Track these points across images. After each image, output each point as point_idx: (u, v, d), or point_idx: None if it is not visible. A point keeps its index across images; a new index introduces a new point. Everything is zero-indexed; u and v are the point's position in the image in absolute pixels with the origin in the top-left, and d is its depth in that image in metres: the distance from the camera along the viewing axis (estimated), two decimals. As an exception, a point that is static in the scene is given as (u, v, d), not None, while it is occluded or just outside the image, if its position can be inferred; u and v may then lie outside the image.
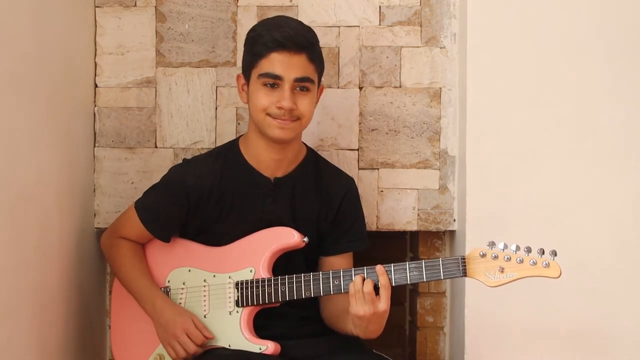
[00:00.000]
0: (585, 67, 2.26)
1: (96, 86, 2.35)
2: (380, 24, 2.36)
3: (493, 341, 2.26)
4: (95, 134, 2.35)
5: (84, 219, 2.23)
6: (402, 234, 2.61)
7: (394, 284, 1.84)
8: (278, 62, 1.93)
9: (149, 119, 2.36)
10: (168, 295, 2.05)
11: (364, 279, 1.83)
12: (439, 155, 2.37)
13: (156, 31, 2.35)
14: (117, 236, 2.10)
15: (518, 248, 1.78)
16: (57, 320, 1.99)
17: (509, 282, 1.79)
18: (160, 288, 2.06)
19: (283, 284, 1.94)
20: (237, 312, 1.98)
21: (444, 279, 1.86)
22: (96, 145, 2.36)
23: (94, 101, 2.35)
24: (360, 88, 2.37)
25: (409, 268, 1.84)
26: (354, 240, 2.11)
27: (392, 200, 2.37)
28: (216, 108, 2.37)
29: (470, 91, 2.27)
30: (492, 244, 1.80)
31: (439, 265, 1.82)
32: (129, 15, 2.35)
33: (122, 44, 2.35)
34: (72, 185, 2.14)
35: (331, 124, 2.35)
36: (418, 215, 2.37)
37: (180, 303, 2.03)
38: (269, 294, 1.95)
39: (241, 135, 2.13)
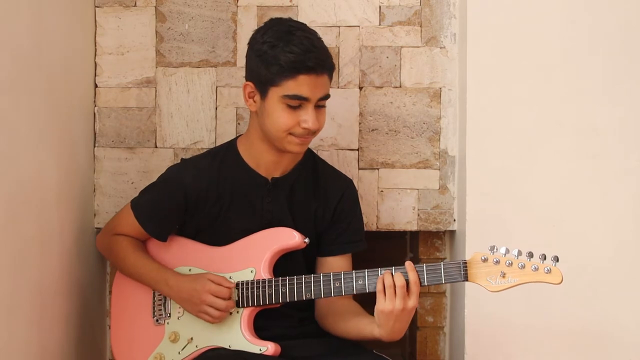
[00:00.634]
0: (585, 67, 2.26)
1: (96, 86, 2.35)
2: (380, 24, 2.36)
3: (493, 341, 2.26)
4: (95, 134, 2.35)
5: (83, 218, 2.23)
6: (402, 234, 2.61)
7: None
8: (306, 85, 1.90)
9: (149, 119, 2.36)
10: (168, 295, 2.05)
11: (392, 275, 1.82)
12: (439, 155, 2.37)
13: (156, 31, 2.35)
14: (113, 235, 2.10)
15: (520, 253, 1.78)
16: (57, 321, 1.99)
17: (510, 287, 1.78)
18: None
19: (284, 285, 1.94)
20: (238, 312, 1.98)
21: (444, 283, 1.86)
22: (96, 145, 2.35)
23: (94, 101, 2.35)
24: (360, 88, 2.37)
25: (410, 272, 1.84)
26: (352, 242, 2.10)
27: (392, 200, 2.37)
28: (216, 108, 2.36)
29: (470, 91, 2.27)
30: (493, 248, 1.80)
31: (440, 269, 1.82)
32: (129, 15, 2.34)
33: (122, 44, 2.35)
34: (72, 185, 2.14)
35: (331, 124, 2.35)
36: (418, 215, 2.37)
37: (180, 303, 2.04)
38: (270, 295, 1.95)
39: (239, 135, 2.13)
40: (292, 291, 1.93)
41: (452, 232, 2.42)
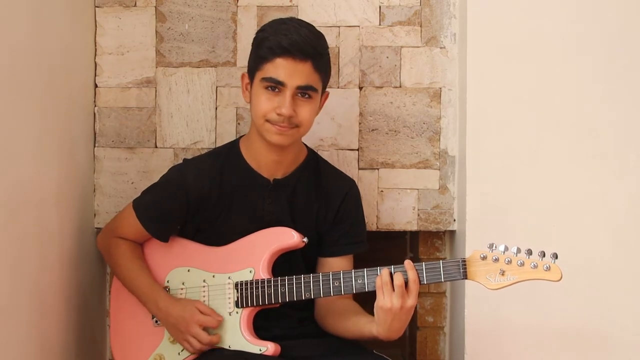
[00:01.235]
0: (585, 67, 2.26)
1: (96, 86, 2.35)
2: (380, 24, 2.36)
3: (493, 341, 2.26)
4: (95, 134, 2.35)
5: (83, 219, 2.23)
6: (402, 234, 2.61)
7: None
8: (282, 68, 1.92)
9: (149, 119, 2.36)
10: (168, 295, 2.05)
11: (390, 273, 1.82)
12: (439, 155, 2.37)
13: (156, 31, 2.35)
14: (114, 236, 2.10)
15: (519, 250, 1.78)
16: (57, 320, 1.99)
17: (509, 285, 1.78)
18: (160, 288, 2.06)
19: (283, 285, 1.94)
20: (237, 312, 1.98)
21: (444, 281, 1.86)
22: (96, 145, 2.36)
23: (94, 101, 2.35)
24: (360, 88, 2.37)
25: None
26: (353, 243, 2.10)
27: (392, 200, 2.37)
28: (216, 108, 2.37)
29: (470, 91, 2.27)
30: (492, 246, 1.80)
31: (440, 267, 1.82)
32: (129, 15, 2.34)
33: (122, 44, 2.35)
34: (71, 185, 2.14)
35: (331, 124, 2.35)
36: (418, 215, 2.37)
37: (179, 304, 2.04)
38: (269, 295, 1.95)
39: (242, 136, 2.13)
40: (292, 291, 1.93)
41: (452, 232, 2.42)
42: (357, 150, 2.37)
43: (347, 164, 2.35)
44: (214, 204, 2.04)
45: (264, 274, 1.97)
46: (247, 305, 1.97)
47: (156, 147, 2.36)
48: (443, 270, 1.82)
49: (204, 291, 2.02)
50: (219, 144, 2.30)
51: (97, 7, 2.34)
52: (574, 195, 2.26)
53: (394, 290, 1.80)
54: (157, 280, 2.07)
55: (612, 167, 2.26)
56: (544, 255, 1.76)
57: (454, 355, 2.39)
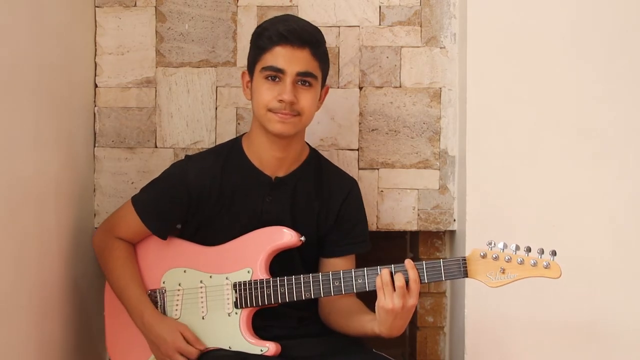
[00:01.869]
0: (585, 67, 2.26)
1: (96, 86, 2.35)
2: (380, 24, 2.36)
3: (493, 341, 2.26)
4: (95, 134, 2.35)
5: (83, 218, 2.23)
6: (402, 234, 2.61)
7: None
8: (281, 56, 1.94)
9: (149, 119, 2.36)
10: (164, 297, 2.04)
11: (391, 273, 1.82)
12: (439, 155, 2.37)
13: (156, 31, 2.35)
14: (112, 235, 2.08)
15: (517, 248, 1.79)
16: (56, 320, 1.99)
17: (509, 282, 1.79)
18: (156, 289, 2.05)
19: (282, 285, 1.93)
20: (236, 313, 1.97)
21: (445, 280, 1.86)
22: (96, 145, 2.35)
23: (94, 101, 2.35)
24: (360, 88, 2.37)
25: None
26: (356, 243, 2.10)
27: (392, 200, 2.37)
28: (216, 108, 2.37)
29: (470, 91, 2.27)
30: (491, 244, 1.80)
31: (440, 266, 1.83)
32: (129, 15, 2.34)
33: (122, 44, 2.35)
34: (72, 185, 2.14)
35: (331, 124, 2.35)
36: (418, 215, 2.37)
37: (177, 305, 2.02)
38: (268, 296, 1.94)
39: (244, 134, 2.13)
40: (292, 291, 1.93)
41: (452, 232, 2.41)
42: (357, 150, 2.37)
43: (347, 164, 2.35)
44: (215, 200, 2.04)
45: (262, 274, 1.97)
46: (246, 306, 1.96)
47: (156, 147, 2.36)
48: (444, 269, 1.82)
49: (201, 292, 2.01)
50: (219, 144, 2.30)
51: (97, 7, 2.34)
52: (574, 195, 2.26)
53: (395, 290, 1.80)
54: (153, 281, 2.05)
55: (612, 167, 2.26)
56: (543, 252, 1.78)
57: (454, 355, 2.39)
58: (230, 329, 1.97)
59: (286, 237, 1.99)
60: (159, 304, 2.04)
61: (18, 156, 1.74)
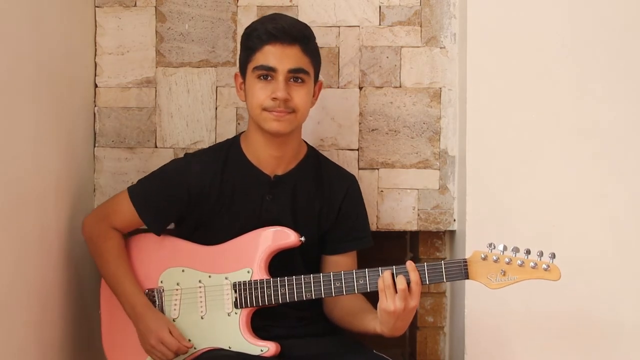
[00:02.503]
0: (585, 67, 2.26)
1: (96, 86, 2.35)
2: (380, 24, 2.36)
3: (493, 341, 2.26)
4: (95, 134, 2.35)
5: (83, 218, 2.23)
6: (402, 234, 2.61)
7: None
8: (271, 54, 1.94)
9: (149, 119, 2.36)
10: (162, 297, 2.03)
11: (392, 275, 1.82)
12: (438, 155, 2.37)
13: (156, 31, 2.35)
14: (106, 223, 2.05)
15: (517, 250, 1.80)
16: (56, 320, 2.00)
17: (510, 284, 1.80)
18: (153, 289, 2.04)
19: (283, 285, 1.93)
20: (236, 313, 1.97)
21: (446, 281, 1.87)
22: (96, 145, 2.36)
23: (94, 101, 2.35)
24: (360, 88, 2.37)
25: (411, 271, 1.84)
26: (358, 239, 2.11)
27: (392, 200, 2.37)
28: (216, 108, 2.37)
29: (470, 91, 2.27)
30: (491, 246, 1.81)
31: (441, 268, 1.83)
32: (129, 15, 2.34)
33: (122, 44, 2.35)
34: (72, 185, 2.14)
35: (331, 124, 2.35)
36: (418, 215, 2.37)
37: (175, 304, 2.02)
38: (269, 296, 1.94)
39: (242, 132, 2.13)
40: (292, 291, 1.93)
41: (452, 232, 2.41)
42: (357, 150, 2.37)
43: (347, 164, 2.35)
44: (214, 199, 2.04)
45: (262, 274, 1.97)
46: (246, 306, 1.96)
47: (156, 147, 2.36)
48: (445, 271, 1.83)
49: (200, 292, 2.01)
50: (219, 144, 2.30)
51: (97, 7, 2.34)
52: (574, 195, 2.26)
53: (396, 292, 1.80)
54: (150, 280, 2.05)
55: (612, 167, 2.26)
56: (542, 255, 1.78)
57: (454, 355, 2.39)
58: (230, 329, 1.97)
59: (286, 237, 1.99)
60: (157, 303, 2.03)
61: (18, 156, 1.74)
